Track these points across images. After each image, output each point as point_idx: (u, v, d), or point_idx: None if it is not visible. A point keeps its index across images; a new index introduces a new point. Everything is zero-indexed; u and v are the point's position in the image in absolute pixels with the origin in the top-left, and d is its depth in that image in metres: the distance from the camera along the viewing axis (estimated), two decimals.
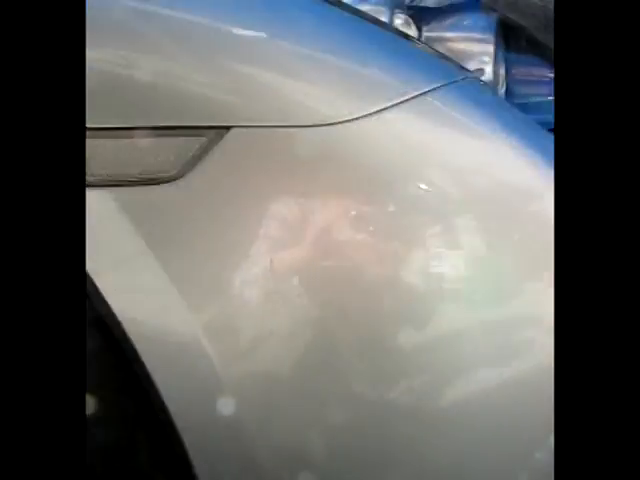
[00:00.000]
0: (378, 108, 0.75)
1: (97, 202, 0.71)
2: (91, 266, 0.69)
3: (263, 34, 0.79)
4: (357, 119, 0.74)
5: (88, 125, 0.70)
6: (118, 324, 0.69)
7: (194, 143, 0.72)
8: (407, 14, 1.63)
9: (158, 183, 0.71)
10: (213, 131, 0.72)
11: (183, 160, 0.72)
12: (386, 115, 0.75)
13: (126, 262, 0.71)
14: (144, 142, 0.72)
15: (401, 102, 0.76)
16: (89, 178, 0.71)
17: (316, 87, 0.76)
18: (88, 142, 0.70)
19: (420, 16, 1.67)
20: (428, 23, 1.66)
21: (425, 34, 1.68)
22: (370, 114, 0.75)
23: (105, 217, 0.71)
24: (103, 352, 0.72)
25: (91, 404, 0.72)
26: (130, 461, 0.75)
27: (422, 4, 1.76)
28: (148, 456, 0.75)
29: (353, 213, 0.73)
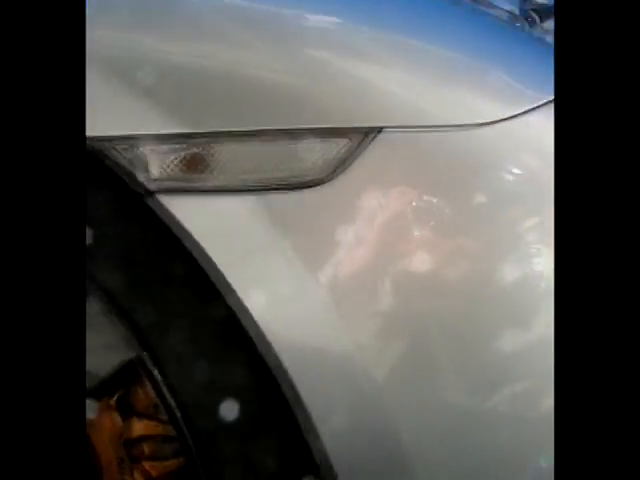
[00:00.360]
0: (525, 109, 0.74)
1: (242, 207, 0.71)
2: (236, 272, 0.70)
3: (408, 36, 0.79)
4: (507, 120, 0.73)
5: (232, 129, 0.71)
6: (265, 333, 0.69)
7: (341, 145, 0.71)
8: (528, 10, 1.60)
9: (305, 187, 0.70)
10: (361, 133, 0.71)
11: (330, 163, 0.71)
12: (531, 117, 0.74)
13: (271, 269, 0.71)
14: (290, 145, 0.72)
15: (546, 103, 0.75)
16: (233, 183, 0.71)
17: (466, 89, 0.76)
18: (231, 147, 0.71)
19: (537, 13, 1.64)
20: (545, 20, 1.62)
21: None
22: (518, 115, 0.74)
23: (251, 222, 0.71)
24: (247, 362, 0.71)
25: (231, 409, 0.71)
26: (266, 468, 0.74)
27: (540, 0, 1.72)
28: (284, 462, 0.74)
29: (509, 218, 0.72)
